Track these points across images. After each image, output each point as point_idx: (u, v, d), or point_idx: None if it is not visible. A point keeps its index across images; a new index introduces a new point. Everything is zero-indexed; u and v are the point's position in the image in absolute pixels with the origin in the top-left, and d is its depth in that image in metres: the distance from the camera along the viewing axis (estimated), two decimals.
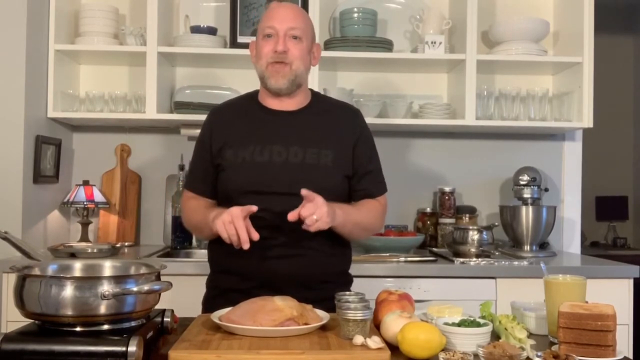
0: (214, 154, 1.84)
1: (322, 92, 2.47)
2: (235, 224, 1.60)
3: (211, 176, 1.87)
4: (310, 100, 1.90)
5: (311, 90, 1.94)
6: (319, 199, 1.61)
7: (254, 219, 1.70)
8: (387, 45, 2.88)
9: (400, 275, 2.46)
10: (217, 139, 1.85)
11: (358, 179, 1.86)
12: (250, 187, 1.76)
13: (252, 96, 1.93)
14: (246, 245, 1.60)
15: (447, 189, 3.02)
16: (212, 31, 2.91)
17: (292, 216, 1.60)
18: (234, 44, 2.90)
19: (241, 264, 1.77)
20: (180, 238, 2.93)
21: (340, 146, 1.82)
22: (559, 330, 1.35)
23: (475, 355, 1.28)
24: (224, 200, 1.82)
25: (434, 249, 2.90)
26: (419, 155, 3.15)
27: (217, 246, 1.86)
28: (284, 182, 1.74)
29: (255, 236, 1.62)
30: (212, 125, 1.89)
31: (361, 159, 1.86)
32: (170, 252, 2.85)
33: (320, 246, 1.78)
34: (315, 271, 1.78)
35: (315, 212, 1.59)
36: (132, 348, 1.20)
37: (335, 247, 1.84)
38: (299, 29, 1.80)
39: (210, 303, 1.81)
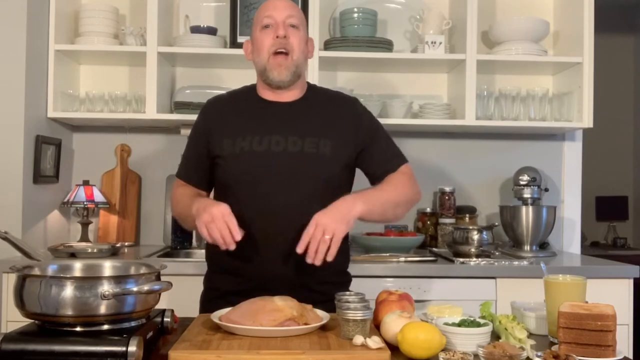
0: (211, 146, 1.82)
1: None
2: (216, 224, 1.58)
3: (204, 167, 1.86)
4: (306, 91, 1.90)
5: (307, 82, 1.94)
6: (311, 224, 1.60)
7: (251, 211, 1.70)
8: (387, 45, 2.88)
9: (400, 275, 2.46)
10: (214, 131, 1.84)
11: (371, 160, 1.85)
12: (248, 177, 1.76)
13: (249, 89, 1.93)
14: (232, 247, 1.59)
15: (447, 189, 3.02)
16: (212, 31, 2.91)
17: (300, 248, 1.59)
18: (234, 44, 2.90)
19: (239, 265, 1.76)
20: (180, 238, 2.93)
21: (339, 136, 1.81)
22: (559, 330, 1.35)
23: (475, 355, 1.28)
24: (222, 190, 1.82)
25: (434, 249, 2.90)
26: (419, 155, 3.14)
27: (216, 246, 1.85)
28: (282, 171, 1.74)
29: (238, 236, 1.60)
30: (209, 117, 1.88)
31: (368, 142, 1.85)
32: (170, 252, 2.85)
33: None
34: (316, 271, 1.77)
35: (320, 232, 1.59)
36: (132, 348, 1.20)
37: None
38: (296, 17, 1.82)
39: (209, 305, 1.80)
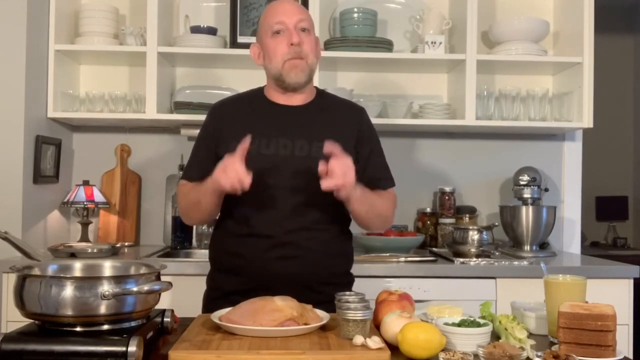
0: (219, 148, 1.82)
1: None
2: (234, 166, 1.58)
3: (212, 168, 1.84)
4: (315, 96, 1.90)
5: (315, 87, 1.95)
6: (348, 160, 1.60)
7: (257, 213, 1.71)
8: (387, 45, 2.88)
9: (400, 275, 2.46)
10: (223, 133, 1.83)
11: (363, 172, 1.84)
12: (255, 179, 1.73)
13: (257, 92, 1.93)
14: (246, 184, 1.58)
15: (447, 189, 3.02)
16: (212, 31, 2.91)
17: (322, 167, 1.57)
18: (234, 44, 2.90)
19: (243, 264, 1.76)
20: (180, 238, 2.93)
21: (345, 142, 1.80)
22: (559, 330, 1.35)
23: (475, 355, 1.28)
24: (228, 193, 1.81)
25: (434, 249, 2.90)
26: (419, 155, 3.15)
27: (219, 246, 1.86)
28: (289, 175, 1.74)
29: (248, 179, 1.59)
30: (217, 119, 1.88)
31: (363, 152, 1.86)
32: (170, 252, 2.85)
33: (323, 246, 1.77)
34: (319, 272, 1.77)
35: (346, 170, 1.58)
36: (132, 348, 1.20)
37: (339, 246, 1.84)
38: (307, 20, 1.81)
39: (212, 305, 1.80)
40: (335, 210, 1.77)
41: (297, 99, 1.85)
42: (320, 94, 1.93)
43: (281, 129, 1.80)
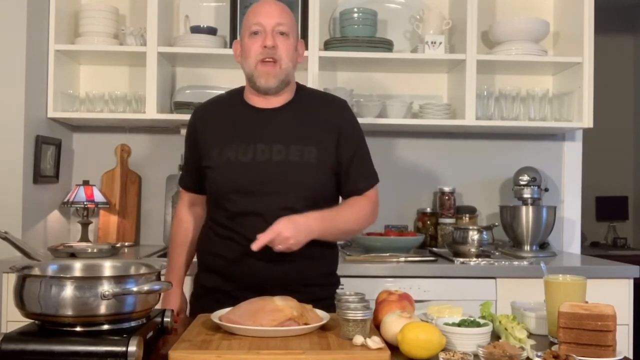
0: (202, 154, 1.84)
1: None
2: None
3: (197, 173, 1.88)
4: (294, 94, 1.87)
5: (297, 83, 1.91)
6: (275, 226, 1.61)
7: (239, 219, 1.73)
8: (387, 45, 2.88)
9: (400, 275, 2.46)
10: (203, 139, 1.85)
11: (344, 174, 1.82)
12: (235, 188, 1.77)
13: (235, 94, 1.92)
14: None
15: (447, 189, 3.02)
16: (212, 31, 2.91)
17: (256, 246, 1.60)
18: None
19: (225, 265, 1.77)
20: None
21: (324, 142, 1.79)
22: (559, 330, 1.35)
23: (475, 355, 1.28)
24: (213, 199, 1.85)
25: (434, 249, 2.90)
26: (419, 155, 3.14)
27: (204, 246, 1.87)
28: (267, 181, 1.74)
29: None
30: (197, 125, 1.89)
31: (345, 154, 1.81)
32: None
33: (305, 249, 1.73)
34: (300, 274, 1.76)
35: (275, 238, 1.60)
36: (132, 348, 1.20)
37: (321, 249, 1.81)
38: (286, 24, 1.79)
39: (197, 302, 1.83)
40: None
41: (274, 101, 1.83)
42: (300, 91, 1.89)
43: (258, 134, 1.79)
